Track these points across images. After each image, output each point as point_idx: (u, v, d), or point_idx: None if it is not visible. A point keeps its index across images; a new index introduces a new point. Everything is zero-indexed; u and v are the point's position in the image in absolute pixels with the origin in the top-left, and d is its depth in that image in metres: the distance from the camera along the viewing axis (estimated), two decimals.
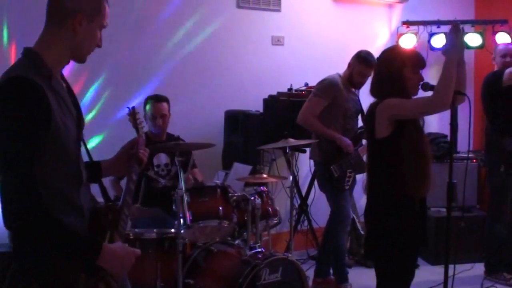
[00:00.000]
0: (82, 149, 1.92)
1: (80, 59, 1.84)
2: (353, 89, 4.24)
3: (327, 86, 4.10)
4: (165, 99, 3.98)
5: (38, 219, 1.59)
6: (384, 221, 2.66)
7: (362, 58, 4.07)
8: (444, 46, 5.18)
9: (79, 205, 1.77)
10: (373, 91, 2.77)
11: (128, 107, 2.31)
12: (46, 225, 1.60)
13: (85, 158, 1.97)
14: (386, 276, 2.71)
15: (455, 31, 2.64)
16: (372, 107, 2.70)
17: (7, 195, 1.61)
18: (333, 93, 4.06)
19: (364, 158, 4.15)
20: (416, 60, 2.70)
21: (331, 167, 4.06)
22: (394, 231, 2.64)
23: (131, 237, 3.22)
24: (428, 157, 2.66)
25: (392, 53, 2.77)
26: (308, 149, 4.38)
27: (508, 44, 4.89)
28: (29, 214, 1.58)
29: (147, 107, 3.96)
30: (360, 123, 4.29)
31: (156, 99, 3.95)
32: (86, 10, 1.76)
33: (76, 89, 2.25)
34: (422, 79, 2.71)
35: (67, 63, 1.82)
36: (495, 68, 4.54)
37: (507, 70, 4.28)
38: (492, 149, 4.48)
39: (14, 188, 1.59)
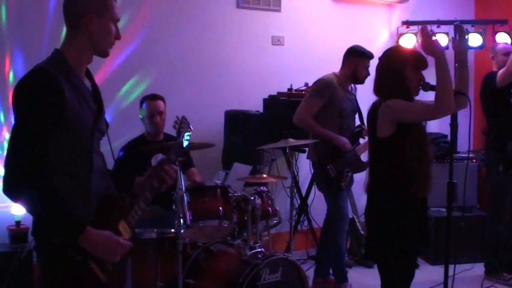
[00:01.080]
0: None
1: (102, 54, 2.02)
2: (351, 88, 4.24)
3: (322, 86, 4.10)
4: (161, 98, 3.98)
5: (37, 181, 1.77)
6: (385, 221, 2.66)
7: (361, 53, 4.10)
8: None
9: (86, 189, 1.92)
10: (376, 90, 2.77)
11: (177, 116, 2.38)
12: (42, 188, 1.78)
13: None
14: (387, 276, 2.71)
15: (424, 34, 2.64)
16: (375, 106, 2.70)
17: (14, 159, 1.80)
18: (328, 92, 4.06)
19: (362, 157, 4.15)
20: (418, 61, 2.70)
21: (328, 167, 4.05)
22: (395, 231, 2.64)
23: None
24: (429, 157, 2.67)
25: (394, 52, 2.78)
26: (308, 148, 4.38)
27: (506, 43, 4.88)
28: (31, 172, 1.76)
29: (143, 106, 3.95)
30: (357, 122, 4.29)
31: (152, 98, 3.95)
32: (93, 10, 1.94)
33: None
34: (423, 80, 2.71)
35: (89, 60, 2.01)
36: (494, 68, 4.53)
37: (499, 72, 4.28)
38: (491, 149, 4.48)
39: (23, 152, 1.78)
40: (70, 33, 1.97)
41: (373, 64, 3.01)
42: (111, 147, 2.22)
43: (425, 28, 2.66)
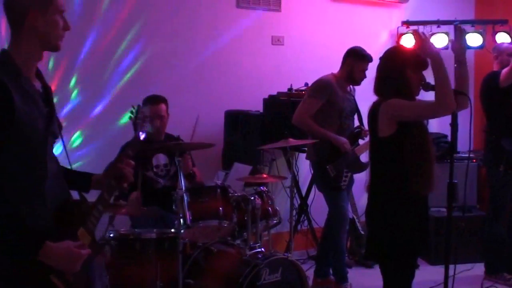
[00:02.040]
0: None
1: (53, 49, 1.92)
2: (349, 89, 4.24)
3: (320, 86, 4.11)
4: (163, 100, 3.95)
5: None
6: (386, 220, 2.66)
7: (360, 56, 4.09)
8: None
9: (40, 195, 1.85)
10: (376, 90, 2.77)
11: (132, 105, 2.26)
12: None
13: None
14: (388, 276, 2.71)
15: (417, 38, 2.65)
16: (375, 105, 2.70)
17: None
18: (327, 93, 4.06)
19: (361, 157, 4.15)
20: (418, 61, 2.70)
21: (327, 167, 4.05)
22: (396, 231, 2.64)
23: (131, 237, 3.22)
24: (432, 156, 2.66)
25: (395, 52, 2.79)
26: (307, 149, 4.38)
27: (509, 43, 4.87)
28: None
29: (145, 108, 3.93)
30: (356, 123, 4.29)
31: (154, 101, 3.91)
32: (35, 5, 1.85)
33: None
34: (424, 80, 2.71)
35: (40, 58, 1.91)
36: (495, 67, 4.52)
37: (503, 71, 4.27)
38: (491, 149, 4.48)
39: None
40: (15, 32, 1.87)
41: (373, 65, 3.01)
42: (66, 150, 2.12)
43: (417, 32, 2.69)
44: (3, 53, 1.86)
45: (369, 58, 4.09)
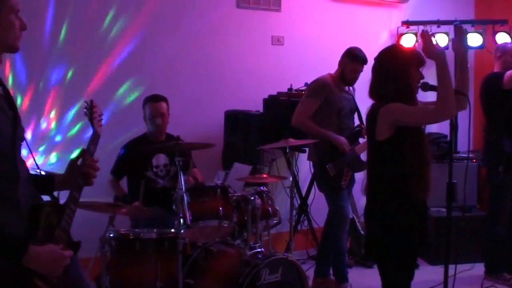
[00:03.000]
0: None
1: (11, 50, 1.89)
2: (347, 88, 4.24)
3: (318, 86, 4.11)
4: (163, 99, 3.97)
5: None
6: (384, 222, 2.66)
7: (353, 56, 4.09)
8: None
9: (14, 200, 1.83)
10: (373, 93, 2.72)
11: (85, 101, 2.20)
12: None
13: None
14: (387, 277, 2.70)
15: (424, 39, 2.64)
16: (374, 109, 2.67)
17: None
18: (324, 93, 4.06)
19: (362, 156, 4.15)
20: (419, 58, 2.69)
21: (327, 166, 4.05)
22: (394, 232, 2.63)
23: (131, 237, 3.22)
24: (427, 160, 2.64)
25: (393, 52, 2.74)
26: (308, 149, 4.38)
27: None
28: None
29: (146, 107, 3.95)
30: (356, 122, 4.29)
31: (155, 99, 3.94)
32: None
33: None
34: (423, 77, 2.70)
35: (0, 60, 1.88)
36: (496, 68, 4.51)
37: (508, 73, 4.26)
38: (491, 149, 4.48)
39: None
40: None
41: (369, 66, 2.97)
42: (31, 152, 2.11)
43: (425, 33, 2.65)
44: None
45: (361, 60, 4.06)
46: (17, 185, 1.85)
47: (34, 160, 2.13)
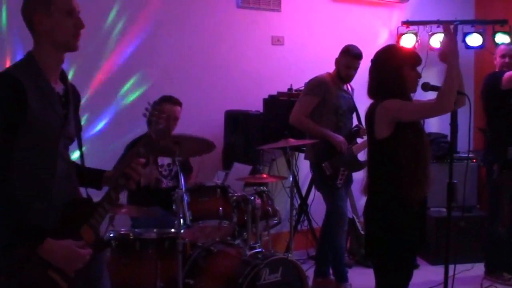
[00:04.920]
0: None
1: (68, 48, 1.95)
2: (345, 86, 4.24)
3: (315, 84, 4.12)
4: (179, 102, 3.91)
5: None
6: (383, 222, 2.66)
7: (346, 50, 4.11)
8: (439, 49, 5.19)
9: (48, 194, 1.89)
10: (371, 92, 2.76)
11: (149, 102, 2.16)
12: (2, 195, 1.77)
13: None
14: (385, 277, 2.70)
15: (449, 33, 2.65)
16: (372, 107, 2.70)
17: None
18: (321, 90, 4.07)
19: (359, 156, 4.14)
20: (413, 58, 2.71)
21: (323, 164, 4.05)
22: (393, 232, 2.63)
23: (131, 237, 3.22)
24: (427, 159, 2.65)
25: (388, 52, 2.76)
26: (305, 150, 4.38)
27: (509, 44, 4.86)
28: None
29: (163, 105, 3.91)
30: (355, 122, 4.29)
31: (173, 102, 3.87)
32: (37, 9, 1.90)
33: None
34: (420, 76, 2.71)
35: (59, 59, 1.96)
36: (498, 68, 4.52)
37: (506, 74, 4.27)
38: (490, 149, 4.48)
39: None
40: (33, 38, 1.95)
41: (366, 67, 2.98)
42: (81, 152, 2.13)
43: (448, 27, 2.66)
44: (27, 55, 1.94)
45: (353, 54, 4.06)
46: (52, 179, 1.90)
47: (82, 159, 2.14)
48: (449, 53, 2.59)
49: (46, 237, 1.81)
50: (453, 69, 2.54)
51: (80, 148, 2.12)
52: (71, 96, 2.04)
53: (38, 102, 1.84)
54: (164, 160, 3.96)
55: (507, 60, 4.43)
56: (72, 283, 1.89)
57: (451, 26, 2.75)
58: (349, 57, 4.08)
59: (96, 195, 2.09)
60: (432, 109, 2.62)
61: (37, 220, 1.85)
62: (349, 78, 4.16)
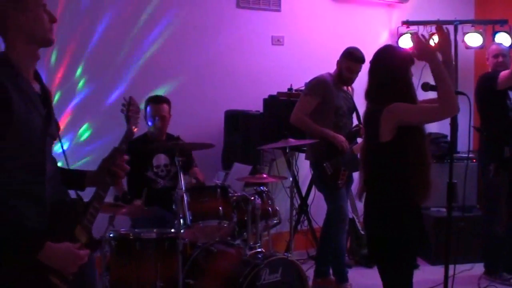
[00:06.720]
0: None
1: (43, 43, 1.92)
2: (345, 87, 4.24)
3: (316, 84, 4.12)
4: (165, 100, 3.97)
5: None
6: (384, 223, 2.65)
7: (348, 54, 4.10)
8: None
9: (37, 194, 1.85)
10: (371, 96, 2.69)
11: (124, 97, 2.18)
12: None
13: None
14: (388, 277, 2.70)
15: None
16: (374, 111, 2.63)
17: None
18: (321, 90, 4.07)
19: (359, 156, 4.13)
20: (410, 58, 2.68)
21: (324, 164, 4.05)
22: (394, 233, 2.63)
23: (131, 237, 3.22)
24: (428, 162, 2.63)
25: (390, 53, 2.73)
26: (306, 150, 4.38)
27: (499, 44, 4.85)
28: None
29: (147, 108, 3.95)
30: (355, 121, 4.29)
31: (156, 101, 3.94)
32: (9, 6, 1.85)
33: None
34: (412, 75, 2.68)
35: (34, 56, 1.92)
36: (490, 69, 4.52)
37: (502, 74, 4.27)
38: (485, 148, 4.48)
39: None
40: (5, 36, 1.88)
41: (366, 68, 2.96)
42: (64, 152, 2.12)
43: (416, 35, 2.66)
44: (2, 55, 1.87)
45: (356, 58, 4.06)
46: (42, 179, 1.87)
47: (65, 157, 2.12)
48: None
49: (46, 242, 1.79)
50: (435, 66, 2.51)
51: (62, 148, 2.10)
52: (49, 95, 2.01)
53: (21, 103, 1.80)
54: (161, 161, 3.96)
55: (500, 59, 4.42)
56: (70, 285, 1.88)
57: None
58: (351, 61, 4.07)
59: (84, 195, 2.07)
60: (439, 113, 2.56)
61: (33, 225, 1.82)
62: (350, 81, 4.17)
